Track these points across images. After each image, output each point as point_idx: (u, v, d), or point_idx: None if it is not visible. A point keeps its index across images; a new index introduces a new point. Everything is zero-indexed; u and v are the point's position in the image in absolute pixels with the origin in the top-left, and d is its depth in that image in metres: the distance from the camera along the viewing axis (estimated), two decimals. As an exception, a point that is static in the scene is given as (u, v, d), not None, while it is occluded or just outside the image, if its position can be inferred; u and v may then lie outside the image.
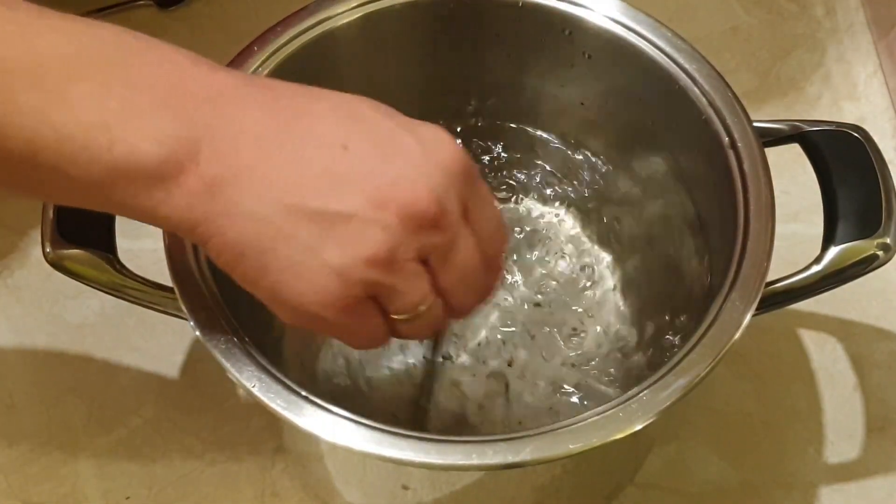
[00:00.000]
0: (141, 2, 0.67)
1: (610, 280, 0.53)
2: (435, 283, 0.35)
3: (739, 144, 0.44)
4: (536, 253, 0.55)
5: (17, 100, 0.31)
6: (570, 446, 0.37)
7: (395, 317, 0.35)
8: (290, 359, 0.51)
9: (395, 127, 0.34)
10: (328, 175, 0.33)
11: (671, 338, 0.50)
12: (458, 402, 0.50)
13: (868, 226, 0.43)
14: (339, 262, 0.33)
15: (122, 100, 0.32)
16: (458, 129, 0.56)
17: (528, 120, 0.56)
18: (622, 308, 0.53)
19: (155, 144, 0.32)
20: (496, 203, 0.37)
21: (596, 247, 0.55)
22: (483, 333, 0.52)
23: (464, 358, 0.51)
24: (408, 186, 0.33)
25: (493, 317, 0.52)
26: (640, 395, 0.38)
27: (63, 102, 0.32)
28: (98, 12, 0.66)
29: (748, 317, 0.40)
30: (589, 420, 0.37)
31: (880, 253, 0.42)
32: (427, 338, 0.40)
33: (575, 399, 0.50)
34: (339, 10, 0.48)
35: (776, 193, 0.43)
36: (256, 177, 0.33)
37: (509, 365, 0.51)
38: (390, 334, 0.37)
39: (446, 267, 0.35)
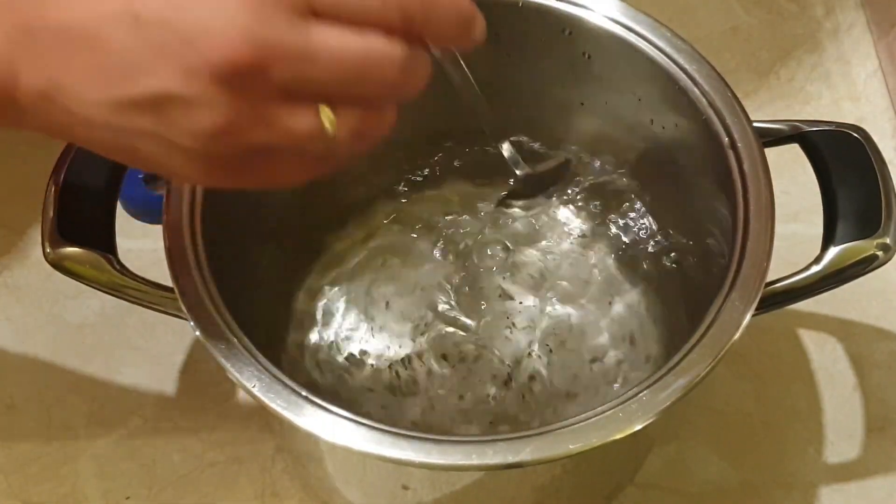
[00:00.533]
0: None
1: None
2: (330, 101, 0.31)
3: (739, 144, 0.44)
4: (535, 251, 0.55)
5: None
6: (570, 446, 0.37)
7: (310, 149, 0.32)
8: (289, 356, 0.51)
9: None
10: (128, 56, 0.29)
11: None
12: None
13: (868, 226, 0.43)
14: (186, 143, 0.30)
15: None
16: (457, 131, 0.56)
17: (526, 120, 0.56)
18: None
19: None
20: None
21: (596, 247, 0.55)
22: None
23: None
24: (207, 42, 0.29)
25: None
26: (640, 395, 0.38)
27: None
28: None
29: (748, 317, 0.40)
30: (589, 420, 0.37)
31: (880, 253, 0.42)
32: (371, 143, 0.33)
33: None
34: (339, 11, 0.48)
35: (776, 193, 0.43)
36: (72, 80, 0.30)
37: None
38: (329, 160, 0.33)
39: (323, 87, 0.30)
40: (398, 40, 0.31)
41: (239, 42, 0.28)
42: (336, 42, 0.30)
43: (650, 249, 0.54)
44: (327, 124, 0.31)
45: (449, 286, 0.54)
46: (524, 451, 0.36)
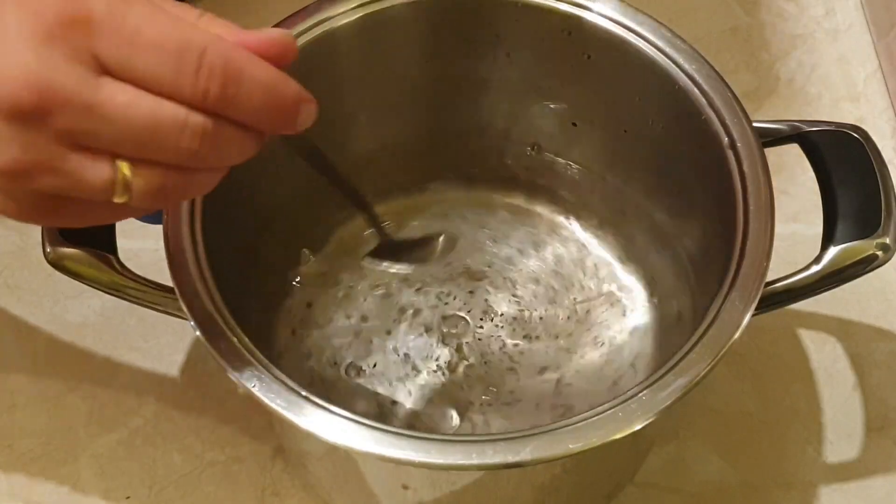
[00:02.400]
0: (141, 2, 0.67)
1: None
2: (130, 158, 0.30)
3: (739, 144, 0.44)
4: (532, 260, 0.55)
5: None
6: (570, 446, 0.37)
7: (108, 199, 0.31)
8: (289, 355, 0.52)
9: None
10: None
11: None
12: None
13: (867, 226, 0.43)
14: None
15: None
16: (458, 131, 0.56)
17: (526, 121, 0.56)
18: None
19: None
20: (172, 35, 0.30)
21: (597, 246, 0.55)
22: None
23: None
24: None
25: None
26: (640, 394, 0.38)
27: None
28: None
29: (748, 317, 0.40)
30: (589, 420, 0.37)
31: (880, 253, 0.42)
32: (165, 202, 0.32)
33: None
34: (339, 11, 0.48)
35: (776, 193, 0.43)
36: None
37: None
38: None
39: (111, 143, 0.30)
40: (199, 111, 0.30)
41: (22, 84, 0.28)
42: (122, 100, 0.29)
43: (648, 249, 0.54)
44: (123, 177, 0.31)
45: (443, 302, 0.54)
46: (524, 451, 0.36)
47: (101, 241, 0.43)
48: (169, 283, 0.41)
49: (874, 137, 0.46)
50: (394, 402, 0.51)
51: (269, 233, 0.52)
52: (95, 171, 0.30)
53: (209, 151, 0.31)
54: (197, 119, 0.30)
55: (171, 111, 0.30)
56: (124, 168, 0.30)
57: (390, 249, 0.51)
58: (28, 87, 0.28)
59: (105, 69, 0.29)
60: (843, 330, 0.56)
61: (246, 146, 0.32)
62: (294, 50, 0.33)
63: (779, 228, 0.42)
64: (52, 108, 0.29)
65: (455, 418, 0.50)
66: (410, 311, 0.53)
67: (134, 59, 0.29)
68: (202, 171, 0.32)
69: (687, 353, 0.39)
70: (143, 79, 0.30)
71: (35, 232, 0.44)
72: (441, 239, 0.53)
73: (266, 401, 0.38)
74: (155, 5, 0.30)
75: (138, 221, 0.57)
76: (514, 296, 0.54)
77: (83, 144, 0.30)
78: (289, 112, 0.33)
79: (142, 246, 0.51)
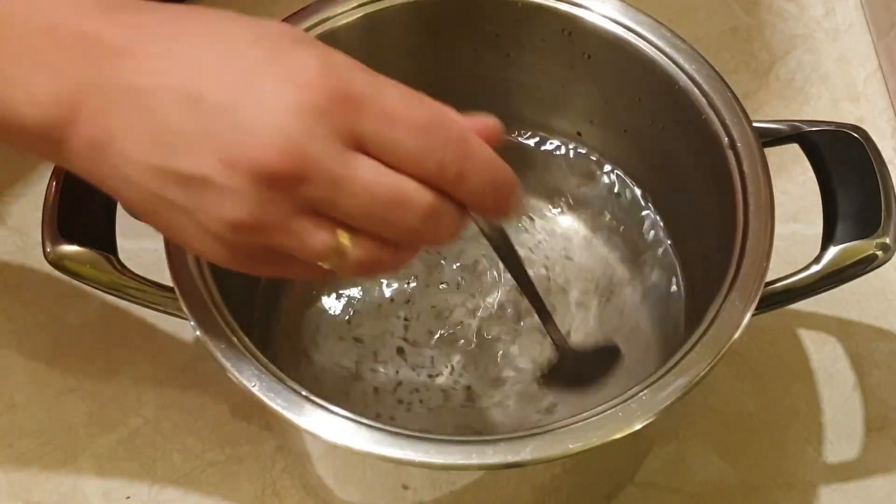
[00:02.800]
0: (141, 2, 0.67)
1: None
2: (352, 227, 0.32)
3: (739, 144, 0.44)
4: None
5: None
6: (570, 446, 0.37)
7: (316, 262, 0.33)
8: (289, 355, 0.51)
9: (260, 61, 0.31)
10: (182, 133, 0.31)
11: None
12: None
13: (867, 226, 0.43)
14: (212, 227, 0.32)
15: (6, 56, 0.32)
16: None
17: (526, 121, 0.56)
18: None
19: (36, 109, 0.32)
20: (421, 114, 0.31)
21: (595, 247, 0.55)
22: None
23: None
24: (255, 142, 0.30)
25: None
26: (640, 394, 0.38)
27: None
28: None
29: (748, 316, 0.40)
30: (589, 420, 0.37)
31: (879, 253, 0.42)
32: (372, 274, 0.34)
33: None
34: (339, 10, 0.48)
35: (776, 193, 0.43)
36: (125, 138, 0.32)
37: None
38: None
39: (345, 214, 0.31)
40: (430, 189, 0.32)
41: (284, 151, 0.30)
42: (371, 177, 0.31)
43: (648, 249, 0.54)
44: (342, 246, 0.32)
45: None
46: (524, 451, 0.36)
47: (101, 241, 0.44)
48: (169, 283, 0.41)
49: (874, 137, 0.46)
50: (396, 399, 0.51)
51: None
52: (318, 236, 0.32)
53: (428, 229, 0.32)
54: (428, 197, 0.32)
55: (410, 190, 0.31)
56: (344, 238, 0.32)
57: (569, 362, 0.48)
58: (287, 154, 0.30)
59: (358, 144, 0.31)
60: (843, 330, 0.56)
61: (455, 228, 0.33)
62: (501, 137, 0.34)
63: (779, 228, 0.42)
64: (305, 177, 0.30)
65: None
66: (413, 308, 0.53)
67: (388, 135, 0.31)
68: (407, 249, 0.34)
69: (687, 353, 0.39)
70: (392, 153, 0.31)
71: (35, 232, 0.44)
72: (617, 356, 0.49)
73: (266, 401, 0.38)
74: (399, 84, 0.32)
75: (139, 221, 0.58)
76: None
77: (316, 210, 0.31)
78: (507, 195, 0.34)
79: (142, 246, 0.51)
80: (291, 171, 0.30)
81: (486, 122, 0.34)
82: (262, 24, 0.32)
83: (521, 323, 0.52)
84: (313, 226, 0.31)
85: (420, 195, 0.32)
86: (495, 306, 0.52)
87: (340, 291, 0.53)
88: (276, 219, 0.31)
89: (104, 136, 0.32)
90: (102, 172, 0.33)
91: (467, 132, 0.33)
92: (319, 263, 0.33)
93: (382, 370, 0.51)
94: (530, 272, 0.45)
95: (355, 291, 0.53)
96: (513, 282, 0.49)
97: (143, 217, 0.34)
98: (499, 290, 0.53)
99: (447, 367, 0.51)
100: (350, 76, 0.31)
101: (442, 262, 0.53)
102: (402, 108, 0.31)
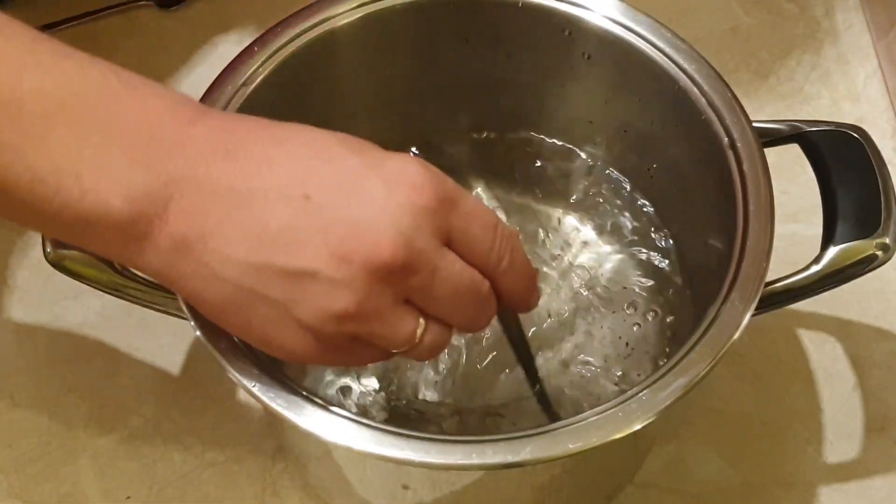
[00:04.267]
0: (141, 2, 0.67)
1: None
2: (425, 313, 0.35)
3: (739, 145, 0.44)
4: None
5: None
6: (570, 446, 0.37)
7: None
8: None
9: (360, 166, 0.33)
10: (290, 230, 0.32)
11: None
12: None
13: (867, 226, 0.43)
14: (311, 320, 0.33)
15: (96, 148, 0.32)
16: (458, 131, 0.56)
17: (527, 121, 0.56)
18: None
19: (125, 202, 0.32)
20: (489, 214, 0.36)
21: (595, 247, 0.55)
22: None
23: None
24: (370, 236, 0.32)
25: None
26: (640, 394, 0.38)
27: (40, 144, 0.32)
28: (99, 12, 0.66)
29: (747, 317, 0.40)
30: (588, 420, 0.37)
31: (879, 253, 0.42)
32: (434, 356, 0.38)
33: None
34: (340, 10, 0.48)
35: (776, 193, 0.43)
36: (221, 236, 0.33)
37: None
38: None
39: (432, 301, 0.35)
40: (486, 280, 0.36)
41: (400, 245, 0.32)
42: (458, 269, 0.34)
43: (649, 249, 0.54)
44: (419, 333, 0.35)
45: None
46: (524, 451, 0.36)
47: (101, 241, 0.43)
48: (169, 283, 0.41)
49: (874, 137, 0.46)
50: (395, 397, 0.51)
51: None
52: (408, 324, 0.34)
53: (481, 315, 0.37)
54: (487, 286, 0.36)
55: (479, 280, 0.35)
56: (422, 322, 0.35)
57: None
58: (402, 247, 0.32)
59: (446, 240, 0.34)
60: (842, 330, 0.56)
61: (488, 318, 0.37)
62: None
63: (779, 228, 0.42)
64: (413, 270, 0.33)
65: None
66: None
67: (469, 231, 0.35)
68: (452, 331, 0.37)
69: (687, 353, 0.39)
70: (471, 249, 0.35)
71: (35, 232, 0.44)
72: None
73: (266, 401, 0.38)
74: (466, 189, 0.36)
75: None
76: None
77: (408, 300, 0.34)
78: (533, 288, 0.39)
79: (142, 246, 0.51)
80: (404, 263, 0.32)
81: (514, 229, 0.38)
82: (347, 136, 0.35)
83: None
84: (405, 313, 0.34)
85: (483, 285, 0.36)
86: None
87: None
88: (379, 308, 0.33)
89: (197, 233, 0.33)
90: (185, 271, 0.33)
91: (517, 235, 0.37)
92: (397, 347, 0.35)
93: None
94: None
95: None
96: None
97: (220, 314, 0.35)
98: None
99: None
100: (446, 179, 0.34)
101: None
102: (479, 209, 0.35)
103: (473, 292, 0.35)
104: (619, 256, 0.55)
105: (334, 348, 0.35)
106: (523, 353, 0.46)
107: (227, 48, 0.46)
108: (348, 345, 0.35)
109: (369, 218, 0.32)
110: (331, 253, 0.32)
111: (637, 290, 0.53)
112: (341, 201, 0.33)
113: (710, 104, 0.45)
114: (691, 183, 0.49)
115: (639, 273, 0.54)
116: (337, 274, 0.32)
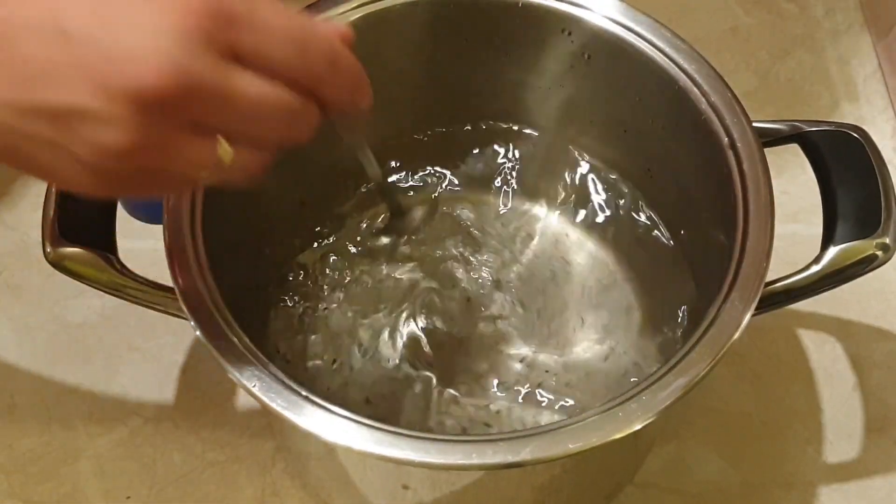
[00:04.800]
0: (141, 2, 0.67)
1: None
2: (228, 135, 0.33)
3: (739, 145, 0.44)
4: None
5: None
6: (570, 446, 0.37)
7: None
8: (289, 354, 0.52)
9: None
10: (51, 68, 0.30)
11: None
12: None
13: (867, 226, 0.43)
14: (89, 158, 0.31)
15: None
16: (457, 129, 0.56)
17: (527, 121, 0.56)
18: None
19: None
20: (290, 25, 0.33)
21: (595, 247, 0.55)
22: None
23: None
24: (133, 67, 0.30)
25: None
26: (640, 394, 0.38)
27: None
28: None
29: (747, 317, 0.40)
30: (589, 420, 0.37)
31: (879, 253, 0.42)
32: (252, 176, 0.35)
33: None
34: (340, 11, 0.48)
35: (776, 193, 0.43)
36: None
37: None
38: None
39: (232, 122, 0.32)
40: (297, 93, 0.33)
41: (167, 72, 0.30)
42: (252, 88, 0.32)
43: (649, 249, 0.54)
44: (223, 157, 0.33)
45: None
46: (524, 451, 0.36)
47: (101, 241, 0.43)
48: (169, 283, 0.41)
49: (874, 137, 0.46)
50: (395, 398, 0.51)
51: (269, 232, 0.52)
52: (202, 150, 0.32)
53: (294, 130, 0.34)
54: (298, 101, 0.33)
55: (285, 96, 0.33)
56: (225, 145, 0.32)
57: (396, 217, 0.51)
58: (169, 74, 0.30)
59: (236, 57, 0.31)
60: (842, 330, 0.56)
61: (314, 126, 0.35)
62: (352, 40, 0.36)
63: (779, 228, 0.42)
64: (190, 96, 0.30)
65: None
66: (415, 306, 0.53)
67: (265, 47, 0.32)
68: (272, 150, 0.34)
69: (687, 353, 0.39)
70: (269, 63, 0.32)
71: (35, 232, 0.44)
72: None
73: (266, 401, 0.38)
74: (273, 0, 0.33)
75: (138, 221, 0.58)
76: (519, 299, 0.54)
77: (196, 124, 0.31)
78: (364, 90, 0.36)
79: (142, 246, 0.51)
80: (176, 90, 0.30)
81: (338, 27, 0.36)
82: None
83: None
84: (195, 141, 0.32)
85: (292, 99, 0.33)
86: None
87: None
88: (157, 140, 0.31)
89: None
90: None
91: (334, 40, 0.34)
92: (199, 174, 0.33)
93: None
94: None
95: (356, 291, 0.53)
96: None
97: (9, 159, 0.33)
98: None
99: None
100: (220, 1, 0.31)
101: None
102: (274, 21, 0.32)
103: (279, 108, 0.33)
104: (615, 257, 0.55)
105: (127, 180, 0.33)
106: (365, 157, 0.45)
107: (227, 48, 0.46)
108: (142, 177, 0.33)
109: (132, 47, 0.30)
110: (94, 88, 0.30)
111: (633, 289, 0.54)
112: (100, 32, 0.30)
113: (710, 104, 0.45)
114: (691, 183, 0.49)
115: (636, 272, 0.54)
116: (104, 110, 0.30)
